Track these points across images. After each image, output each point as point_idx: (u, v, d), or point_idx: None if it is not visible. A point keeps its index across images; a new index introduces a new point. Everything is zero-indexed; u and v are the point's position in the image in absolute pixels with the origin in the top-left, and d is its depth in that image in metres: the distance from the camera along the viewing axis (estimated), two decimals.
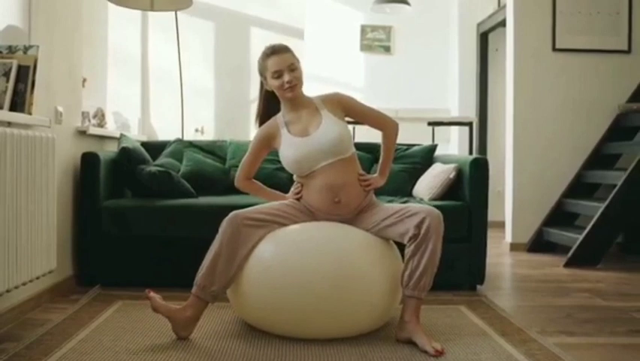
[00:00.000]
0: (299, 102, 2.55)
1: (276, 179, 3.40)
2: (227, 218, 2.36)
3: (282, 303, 2.28)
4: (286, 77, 2.46)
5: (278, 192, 2.70)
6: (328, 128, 2.48)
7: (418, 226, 2.30)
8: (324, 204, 2.49)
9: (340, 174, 2.47)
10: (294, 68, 2.49)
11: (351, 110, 2.61)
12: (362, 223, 2.50)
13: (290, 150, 2.49)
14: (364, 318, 2.36)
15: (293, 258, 2.30)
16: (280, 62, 2.47)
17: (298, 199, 2.55)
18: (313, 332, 2.33)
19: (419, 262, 2.29)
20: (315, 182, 2.48)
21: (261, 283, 2.32)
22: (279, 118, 2.58)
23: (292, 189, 2.61)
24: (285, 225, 2.44)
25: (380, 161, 2.69)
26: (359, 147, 3.91)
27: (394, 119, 2.69)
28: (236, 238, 2.33)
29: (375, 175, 2.62)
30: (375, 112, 2.66)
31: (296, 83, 2.49)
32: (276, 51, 2.50)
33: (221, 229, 2.35)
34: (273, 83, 2.50)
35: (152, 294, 2.31)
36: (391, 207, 2.48)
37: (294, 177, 2.60)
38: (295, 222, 2.47)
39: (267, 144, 2.60)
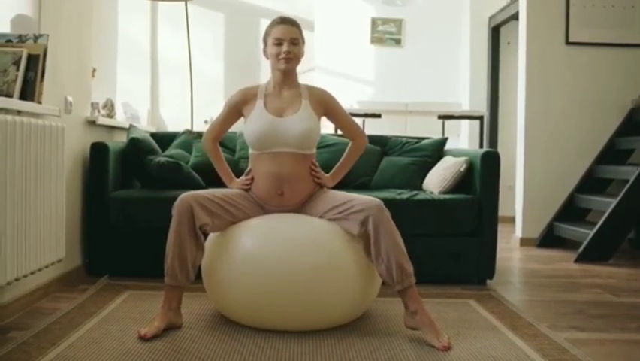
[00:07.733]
0: (287, 79, 2.53)
1: None
2: (176, 202, 2.32)
3: (256, 295, 2.27)
4: (285, 47, 2.45)
5: (231, 173, 2.67)
6: (303, 118, 2.46)
7: (364, 224, 2.28)
8: (267, 194, 2.48)
9: (291, 167, 2.45)
10: (296, 42, 2.47)
11: (331, 112, 2.60)
12: (309, 211, 2.48)
13: (258, 123, 2.46)
14: (341, 308, 2.35)
15: (264, 251, 2.30)
16: (285, 32, 2.46)
17: (247, 190, 2.54)
18: (294, 325, 2.32)
19: (388, 258, 2.26)
20: (265, 166, 2.46)
21: (234, 278, 2.31)
22: (261, 88, 2.56)
23: (243, 177, 2.58)
24: (234, 215, 2.42)
25: (338, 164, 2.69)
26: (370, 139, 3.93)
27: (366, 137, 2.70)
28: (191, 217, 2.29)
29: (327, 175, 2.61)
30: (353, 122, 2.67)
31: (292, 57, 2.47)
32: (284, 21, 2.50)
33: (174, 213, 2.30)
34: (271, 51, 2.49)
35: (143, 334, 2.21)
36: (336, 197, 2.45)
37: (250, 153, 2.55)
38: (245, 213, 2.45)
39: (238, 109, 2.57)
